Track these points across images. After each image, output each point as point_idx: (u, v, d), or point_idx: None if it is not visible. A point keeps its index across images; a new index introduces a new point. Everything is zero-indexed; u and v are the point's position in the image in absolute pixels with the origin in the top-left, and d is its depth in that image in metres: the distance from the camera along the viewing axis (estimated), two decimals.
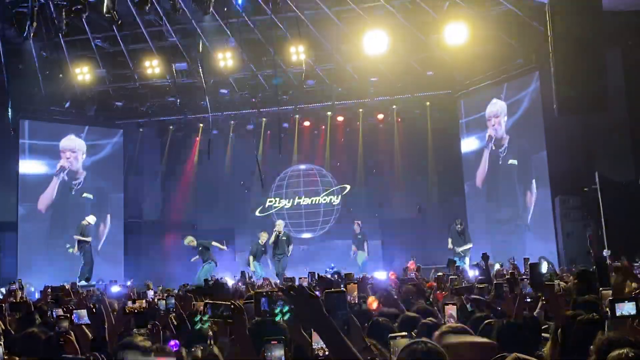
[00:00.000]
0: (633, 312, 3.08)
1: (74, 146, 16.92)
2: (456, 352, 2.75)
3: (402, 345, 2.66)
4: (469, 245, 14.85)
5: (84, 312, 3.30)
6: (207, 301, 3.94)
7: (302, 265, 14.79)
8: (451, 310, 4.05)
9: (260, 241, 15.72)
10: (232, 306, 3.29)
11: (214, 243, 15.37)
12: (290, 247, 15.54)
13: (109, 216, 17.07)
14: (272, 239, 15.34)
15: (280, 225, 15.71)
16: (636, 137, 12.74)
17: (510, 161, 15.20)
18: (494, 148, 15.67)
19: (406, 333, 2.96)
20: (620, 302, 3.10)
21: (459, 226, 15.05)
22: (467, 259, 14.26)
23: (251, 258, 15.51)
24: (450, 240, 15.04)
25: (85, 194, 16.87)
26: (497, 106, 15.54)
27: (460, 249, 14.72)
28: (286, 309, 2.70)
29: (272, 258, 15.48)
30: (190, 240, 15.38)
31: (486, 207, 15.87)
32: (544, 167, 14.02)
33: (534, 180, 14.36)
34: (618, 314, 3.08)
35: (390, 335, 2.95)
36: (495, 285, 5.10)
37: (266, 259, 15.79)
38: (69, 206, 16.56)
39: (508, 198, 15.24)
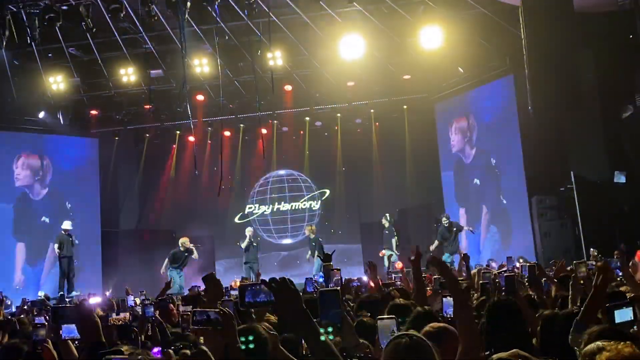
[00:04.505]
0: (630, 317, 3.03)
1: (21, 166, 16.25)
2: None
3: (388, 326, 2.69)
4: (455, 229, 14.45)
5: (73, 325, 3.22)
6: (195, 309, 3.90)
7: (282, 271, 14.76)
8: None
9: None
10: (222, 312, 3.26)
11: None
12: (258, 255, 15.63)
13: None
14: (245, 243, 15.32)
15: (249, 231, 15.80)
16: (609, 136, 12.97)
17: (475, 180, 15.47)
18: (461, 161, 15.95)
19: (394, 316, 2.97)
20: (618, 309, 3.04)
21: (446, 222, 14.56)
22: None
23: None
24: (436, 243, 14.50)
25: (43, 218, 16.30)
26: (461, 123, 15.85)
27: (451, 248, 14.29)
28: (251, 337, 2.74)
29: (244, 264, 15.43)
30: (185, 242, 15.13)
31: (463, 209, 16.01)
32: (519, 168, 14.20)
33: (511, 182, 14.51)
34: (617, 320, 3.01)
35: (378, 317, 2.97)
36: (481, 286, 5.15)
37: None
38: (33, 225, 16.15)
39: (483, 201, 15.39)
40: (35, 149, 16.46)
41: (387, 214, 15.88)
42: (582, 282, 4.51)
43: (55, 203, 16.51)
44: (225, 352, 3.19)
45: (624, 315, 3.03)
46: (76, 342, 3.76)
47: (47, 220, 16.15)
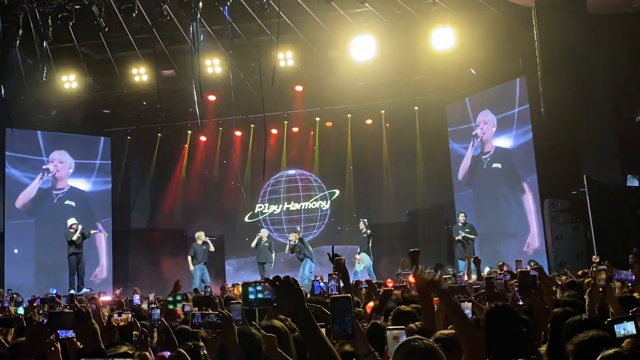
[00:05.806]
0: (633, 331, 2.99)
1: (63, 158, 16.83)
2: None
3: (397, 335, 2.68)
4: (473, 236, 14.32)
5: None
6: (194, 311, 3.89)
7: (291, 271, 14.76)
8: (466, 307, 4.04)
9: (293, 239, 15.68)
10: (221, 315, 3.26)
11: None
12: (273, 256, 15.75)
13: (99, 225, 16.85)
14: (254, 243, 15.60)
15: (264, 233, 16.01)
16: (623, 139, 12.85)
17: (495, 165, 15.25)
18: (479, 151, 15.70)
19: (403, 327, 2.98)
20: (619, 323, 3.01)
21: (461, 219, 14.57)
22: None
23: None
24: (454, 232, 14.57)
25: (67, 202, 16.71)
26: (488, 115, 15.58)
27: (460, 236, 14.24)
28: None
29: (257, 265, 15.73)
30: (201, 235, 15.38)
31: (475, 211, 15.88)
32: (532, 170, 14.09)
33: (524, 184, 14.37)
34: (618, 334, 2.98)
35: (387, 327, 2.96)
36: (487, 283, 5.11)
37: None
38: (50, 213, 16.35)
39: (495, 202, 15.27)
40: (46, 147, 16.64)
41: (365, 220, 15.75)
42: (601, 290, 4.40)
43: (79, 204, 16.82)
44: (221, 353, 3.19)
45: (624, 329, 2.99)
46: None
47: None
